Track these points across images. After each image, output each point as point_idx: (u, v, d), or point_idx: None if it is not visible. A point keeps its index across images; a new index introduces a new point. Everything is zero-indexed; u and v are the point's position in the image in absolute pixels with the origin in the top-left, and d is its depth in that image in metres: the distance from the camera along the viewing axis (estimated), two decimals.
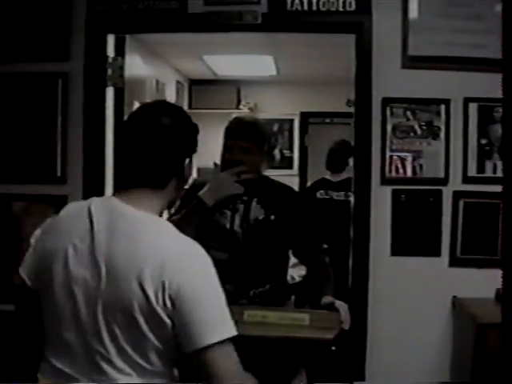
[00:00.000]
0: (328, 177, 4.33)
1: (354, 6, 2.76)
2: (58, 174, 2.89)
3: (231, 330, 1.36)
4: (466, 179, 2.80)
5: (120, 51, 3.03)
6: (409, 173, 2.81)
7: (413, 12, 2.77)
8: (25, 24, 2.87)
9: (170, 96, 5.79)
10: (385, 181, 2.81)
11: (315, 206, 4.15)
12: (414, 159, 2.80)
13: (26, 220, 2.84)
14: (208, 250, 1.45)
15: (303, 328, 2.00)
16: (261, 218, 2.34)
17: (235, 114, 5.59)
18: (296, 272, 4.45)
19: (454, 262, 2.80)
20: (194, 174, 5.83)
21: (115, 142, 2.76)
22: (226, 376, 1.33)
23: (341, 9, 2.76)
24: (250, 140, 2.31)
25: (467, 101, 2.78)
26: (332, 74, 5.20)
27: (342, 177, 4.18)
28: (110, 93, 2.96)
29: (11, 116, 2.91)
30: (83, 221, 1.41)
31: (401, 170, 2.81)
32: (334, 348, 1.99)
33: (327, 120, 6.82)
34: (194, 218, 2.22)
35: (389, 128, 2.80)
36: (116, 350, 1.35)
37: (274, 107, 6.60)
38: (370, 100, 2.78)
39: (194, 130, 1.55)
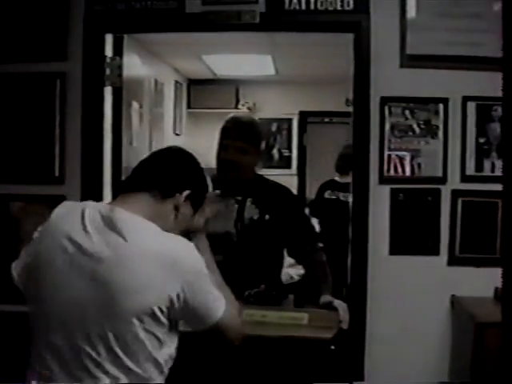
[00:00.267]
0: (337, 178, 4.62)
1: (351, 5, 2.75)
2: (56, 174, 2.88)
3: (222, 298, 1.49)
4: (465, 178, 2.79)
5: (118, 51, 3.03)
6: (407, 172, 2.81)
7: (411, 11, 2.77)
8: (22, 24, 2.86)
9: (169, 96, 5.78)
10: (383, 180, 2.80)
11: (323, 205, 4.50)
12: (412, 158, 2.80)
13: (23, 220, 2.83)
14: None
15: (302, 327, 2.00)
16: (255, 217, 2.34)
17: (233, 113, 5.59)
18: (295, 271, 4.46)
19: (453, 261, 2.80)
20: None
21: None
22: (234, 328, 1.53)
23: (339, 8, 2.76)
24: (246, 140, 2.31)
25: (465, 100, 2.78)
26: (331, 73, 5.20)
27: (349, 179, 4.27)
28: (108, 93, 2.96)
29: (9, 116, 2.90)
30: (76, 223, 1.41)
31: (399, 169, 2.81)
32: (332, 347, 1.99)
33: (326, 119, 6.82)
34: None
35: (387, 127, 2.80)
36: (106, 353, 1.34)
37: (272, 107, 6.60)
38: (368, 99, 2.78)
39: (199, 169, 1.62)
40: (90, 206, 1.45)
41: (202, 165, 1.64)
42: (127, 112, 3.38)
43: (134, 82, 3.61)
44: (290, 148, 6.76)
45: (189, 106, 6.54)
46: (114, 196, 2.80)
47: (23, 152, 2.89)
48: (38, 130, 2.88)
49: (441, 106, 2.78)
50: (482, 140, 2.79)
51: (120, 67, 2.98)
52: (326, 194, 4.55)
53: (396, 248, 2.80)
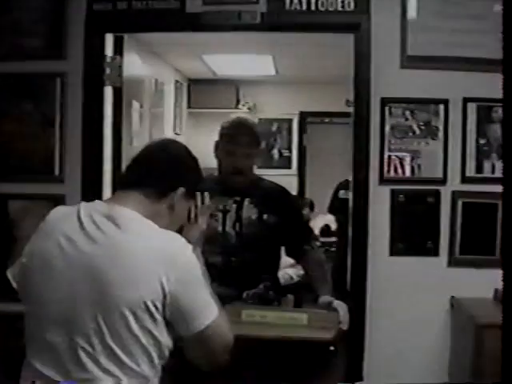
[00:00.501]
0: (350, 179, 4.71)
1: (352, 6, 2.76)
2: (56, 173, 2.88)
3: (215, 306, 1.44)
4: (465, 179, 2.79)
5: (118, 50, 3.04)
6: (407, 173, 2.81)
7: (411, 12, 2.77)
8: (22, 23, 2.86)
9: (169, 95, 5.78)
10: (383, 181, 2.80)
11: (338, 204, 4.72)
12: (412, 159, 2.80)
13: (23, 219, 2.83)
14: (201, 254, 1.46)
15: (302, 328, 2.00)
16: (254, 217, 2.35)
17: (234, 113, 5.58)
18: (294, 272, 4.47)
19: (453, 262, 2.80)
20: None
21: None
22: (222, 341, 1.45)
23: (339, 8, 2.76)
24: (251, 146, 2.35)
25: (466, 101, 2.78)
26: (331, 73, 5.19)
27: None
28: (108, 92, 2.96)
29: (9, 115, 2.90)
30: (72, 222, 1.41)
31: (399, 170, 2.80)
32: (332, 348, 1.98)
33: (326, 120, 6.81)
34: None
35: (387, 128, 2.80)
36: (103, 349, 1.34)
37: (272, 107, 6.59)
38: (368, 100, 2.78)
39: (193, 163, 1.60)
40: (85, 205, 1.46)
41: (200, 161, 1.62)
42: (127, 112, 3.38)
43: (134, 81, 3.61)
44: (290, 148, 6.75)
45: (189, 106, 6.52)
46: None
47: (23, 151, 2.89)
48: (37, 128, 2.88)
49: (441, 106, 2.78)
50: (482, 141, 2.79)
51: (120, 67, 2.99)
52: (340, 194, 4.72)
53: (396, 249, 2.80)
